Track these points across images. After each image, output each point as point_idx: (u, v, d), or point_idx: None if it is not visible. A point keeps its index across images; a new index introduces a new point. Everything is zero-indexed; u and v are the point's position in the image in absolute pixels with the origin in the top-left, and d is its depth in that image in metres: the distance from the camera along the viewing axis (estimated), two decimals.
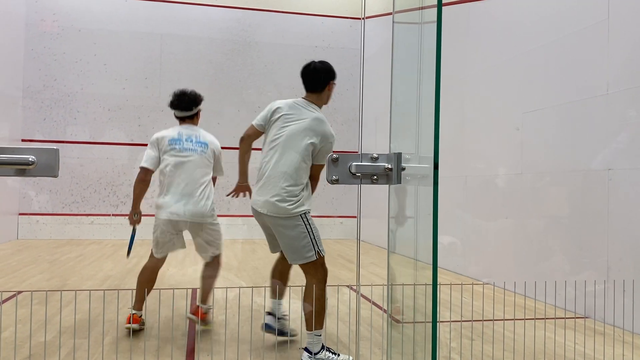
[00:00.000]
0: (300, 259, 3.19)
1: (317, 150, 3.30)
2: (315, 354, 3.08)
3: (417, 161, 1.55)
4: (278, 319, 3.50)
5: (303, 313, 3.17)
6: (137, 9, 9.98)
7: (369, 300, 4.79)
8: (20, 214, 9.23)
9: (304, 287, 3.22)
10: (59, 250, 7.96)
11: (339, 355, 3.16)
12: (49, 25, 9.58)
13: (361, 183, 1.53)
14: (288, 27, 10.69)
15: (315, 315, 3.09)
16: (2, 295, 4.39)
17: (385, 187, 1.58)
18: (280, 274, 3.62)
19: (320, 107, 3.52)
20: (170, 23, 10.10)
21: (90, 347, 3.29)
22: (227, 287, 4.29)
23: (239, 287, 5.14)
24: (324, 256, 3.26)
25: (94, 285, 5.31)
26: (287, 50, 10.64)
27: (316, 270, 3.22)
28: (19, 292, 4.81)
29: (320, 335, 3.13)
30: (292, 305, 3.63)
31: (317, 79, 3.45)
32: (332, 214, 10.50)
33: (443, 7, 1.46)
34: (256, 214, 3.41)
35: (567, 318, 4.36)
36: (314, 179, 3.39)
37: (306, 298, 3.17)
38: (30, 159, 1.31)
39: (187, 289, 5.12)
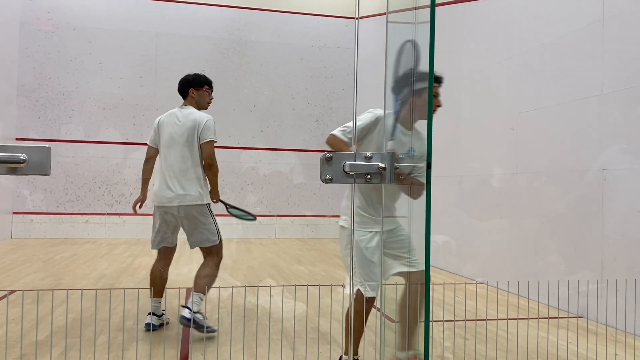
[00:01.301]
0: None
1: None
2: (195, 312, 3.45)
3: (409, 160, 1.55)
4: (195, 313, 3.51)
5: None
6: (133, 7, 9.95)
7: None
8: (14, 213, 9.18)
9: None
10: (53, 250, 7.93)
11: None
12: (43, 23, 9.53)
13: (355, 182, 1.53)
14: (284, 26, 10.68)
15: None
16: None
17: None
18: None
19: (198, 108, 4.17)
20: (165, 22, 10.07)
21: (82, 347, 3.28)
22: (219, 287, 4.27)
23: (232, 287, 5.13)
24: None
25: (88, 285, 5.29)
26: (283, 49, 10.63)
27: None
28: (12, 292, 4.78)
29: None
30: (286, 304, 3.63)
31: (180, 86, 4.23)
32: (327, 213, 10.50)
33: (438, 7, 1.46)
34: None
35: (561, 318, 4.37)
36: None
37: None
38: (21, 157, 1.30)
39: (179, 288, 5.11)
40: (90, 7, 9.78)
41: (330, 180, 1.52)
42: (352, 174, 1.52)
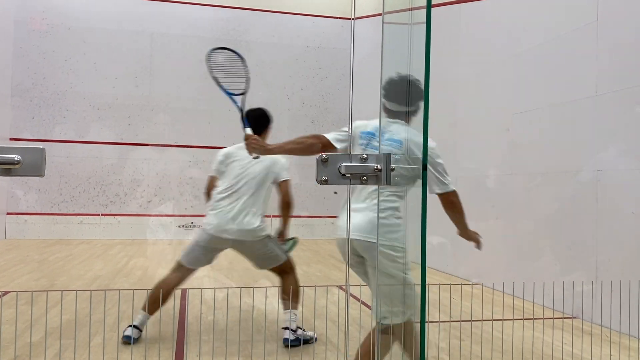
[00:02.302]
0: None
1: None
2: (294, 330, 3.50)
3: (406, 162, 1.55)
4: None
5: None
6: (128, 7, 9.92)
7: (359, 300, 4.79)
8: (8, 214, 9.13)
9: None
10: (47, 250, 7.89)
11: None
12: (38, 23, 9.49)
13: (350, 184, 1.53)
14: (279, 26, 10.68)
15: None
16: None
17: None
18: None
19: None
20: (160, 21, 10.05)
21: (77, 348, 3.27)
22: (215, 288, 4.26)
23: (228, 288, 5.12)
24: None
25: (82, 286, 5.27)
26: (278, 50, 10.63)
27: None
28: (5, 293, 4.76)
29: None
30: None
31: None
32: (322, 214, 10.50)
33: (434, 8, 1.46)
34: None
35: (555, 318, 4.38)
36: None
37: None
38: (15, 159, 1.29)
39: (176, 289, 5.09)
40: (85, 7, 9.74)
41: (326, 182, 1.52)
42: (348, 175, 1.52)
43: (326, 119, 10.73)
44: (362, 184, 1.55)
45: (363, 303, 4.67)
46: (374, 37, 9.62)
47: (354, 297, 4.93)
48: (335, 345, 3.53)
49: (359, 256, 2.57)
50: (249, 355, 3.26)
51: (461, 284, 5.58)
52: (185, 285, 5.24)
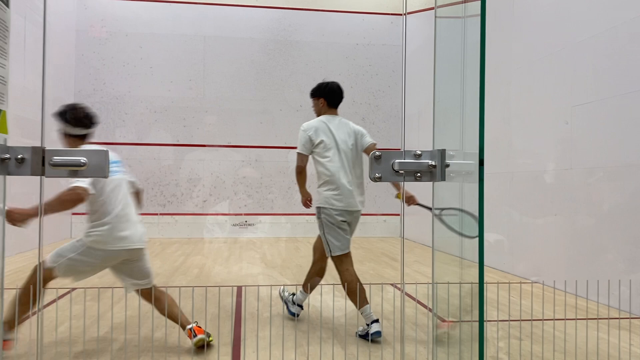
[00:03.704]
0: None
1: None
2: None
3: (461, 157, 1.52)
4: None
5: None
6: (181, 12, 10.21)
7: (414, 299, 4.74)
8: (73, 214, 9.61)
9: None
10: None
11: None
12: (97, 30, 9.92)
13: (404, 180, 1.52)
14: (328, 25, 10.70)
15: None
16: (58, 292, 4.57)
17: (428, 184, 1.56)
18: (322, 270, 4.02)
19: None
20: (212, 25, 10.29)
21: (140, 342, 3.40)
22: (271, 285, 4.32)
23: (283, 285, 5.18)
24: None
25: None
26: (328, 48, 10.66)
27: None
28: (73, 289, 5.00)
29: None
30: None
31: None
32: (375, 211, 10.46)
33: None
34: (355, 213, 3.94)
35: (621, 318, 4.19)
36: None
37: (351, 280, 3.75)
38: (82, 161, 1.36)
39: (232, 286, 5.20)
40: (141, 13, 10.11)
41: (379, 179, 1.51)
42: (402, 172, 1.51)
43: (376, 116, 10.67)
44: (415, 180, 1.53)
45: (418, 302, 4.62)
46: (425, 32, 9.49)
47: (409, 296, 4.88)
48: (391, 344, 3.51)
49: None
50: (305, 353, 3.29)
51: (520, 283, 5.43)
52: (240, 282, 5.35)
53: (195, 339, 3.24)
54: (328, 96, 3.98)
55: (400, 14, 10.86)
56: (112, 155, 3.15)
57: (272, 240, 9.57)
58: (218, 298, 4.64)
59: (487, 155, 1.49)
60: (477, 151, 1.34)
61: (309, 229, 10.22)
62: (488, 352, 3.31)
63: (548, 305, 4.50)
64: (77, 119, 3.32)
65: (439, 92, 1.59)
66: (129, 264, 3.35)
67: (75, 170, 1.38)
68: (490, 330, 3.76)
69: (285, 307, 4.10)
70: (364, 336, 3.55)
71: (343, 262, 3.79)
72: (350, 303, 4.54)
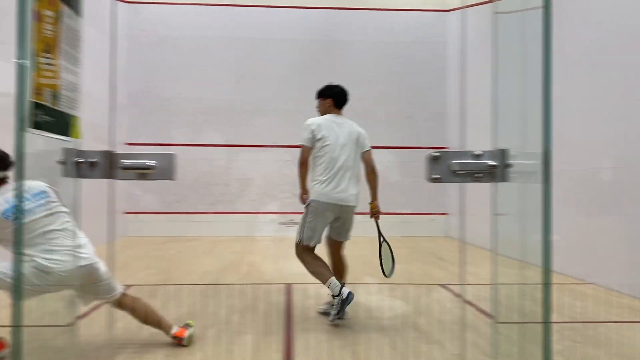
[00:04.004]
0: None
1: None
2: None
3: (523, 157, 1.49)
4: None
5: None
6: (229, 15, 10.39)
7: (462, 299, 4.67)
8: (128, 213, 9.94)
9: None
10: (161, 247, 8.49)
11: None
12: (148, 35, 10.23)
13: (463, 181, 1.51)
14: (372, 23, 10.66)
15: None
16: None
17: (478, 184, 1.54)
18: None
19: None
20: (258, 27, 10.42)
21: (196, 339, 3.49)
22: (321, 283, 4.35)
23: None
24: None
25: (195, 280, 5.61)
26: (371, 47, 10.62)
27: None
28: (129, 286, 5.18)
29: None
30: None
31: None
32: (422, 211, 10.35)
33: None
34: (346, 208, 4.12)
35: None
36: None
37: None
38: (150, 164, 1.42)
39: (281, 284, 5.27)
40: (188, 17, 10.35)
41: (437, 180, 1.50)
42: (461, 172, 1.50)
43: (421, 114, 10.55)
44: (475, 181, 1.52)
45: (467, 302, 4.55)
46: (472, 28, 9.29)
47: (458, 296, 4.82)
48: (443, 345, 3.47)
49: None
50: (354, 352, 3.30)
51: (575, 284, 5.26)
52: (289, 280, 5.41)
53: (185, 337, 3.31)
54: (335, 97, 4.24)
55: (446, 10, 10.70)
56: (35, 186, 3.01)
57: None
58: (268, 296, 4.71)
59: (538, 152, 1.46)
60: (542, 151, 1.31)
61: (354, 227, 10.20)
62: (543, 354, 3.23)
63: (605, 308, 4.34)
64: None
65: (498, 90, 1.56)
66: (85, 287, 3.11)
67: (143, 172, 1.44)
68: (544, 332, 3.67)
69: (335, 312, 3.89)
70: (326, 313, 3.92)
71: (305, 253, 4.10)
72: (398, 303, 4.51)
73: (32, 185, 3.03)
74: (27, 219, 2.95)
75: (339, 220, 4.15)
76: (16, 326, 1.24)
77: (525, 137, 1.55)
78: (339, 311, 3.77)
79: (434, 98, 10.55)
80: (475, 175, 1.49)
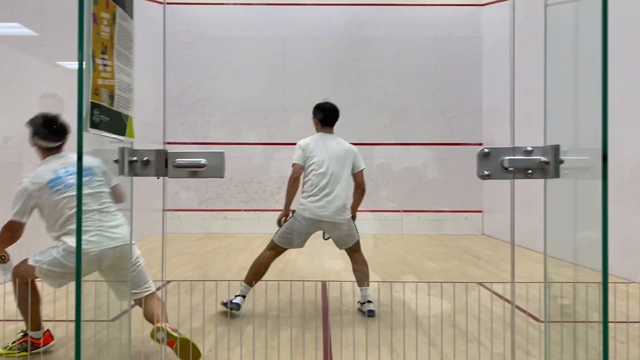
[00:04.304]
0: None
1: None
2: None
3: (575, 153, 1.46)
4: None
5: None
6: (261, 14, 10.47)
7: (502, 297, 4.61)
8: (167, 210, 10.15)
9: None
10: (198, 243, 8.62)
11: None
12: (183, 35, 10.39)
13: (514, 178, 1.48)
14: (405, 19, 10.57)
15: None
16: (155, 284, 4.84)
17: (532, 182, 1.51)
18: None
19: None
20: (291, 25, 10.47)
21: (232, 335, 3.54)
22: (354, 281, 4.36)
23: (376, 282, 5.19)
24: None
25: (231, 276, 5.68)
26: (405, 42, 10.54)
27: None
28: (168, 282, 5.29)
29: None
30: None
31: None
32: (456, 208, 10.23)
33: None
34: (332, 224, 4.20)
35: None
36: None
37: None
38: (202, 162, 1.44)
39: (317, 281, 5.29)
40: (223, 17, 10.48)
41: (488, 177, 1.49)
42: (512, 169, 1.48)
43: (457, 109, 10.42)
44: (526, 177, 1.49)
45: (507, 300, 4.48)
46: (504, 23, 9.11)
47: (497, 295, 4.75)
48: (482, 343, 3.43)
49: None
50: (392, 349, 3.29)
51: (619, 283, 5.12)
52: (323, 277, 5.43)
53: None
54: (324, 116, 4.36)
55: (480, 5, 10.53)
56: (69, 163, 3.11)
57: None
58: (304, 293, 4.74)
59: (587, 147, 1.42)
60: (599, 146, 1.29)
61: (386, 225, 10.17)
62: (589, 354, 3.16)
63: None
64: (49, 131, 3.18)
65: (551, 84, 1.53)
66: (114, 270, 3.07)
67: (195, 170, 1.47)
68: (590, 332, 3.58)
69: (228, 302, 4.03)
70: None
71: (272, 251, 4.30)
72: (435, 301, 4.48)
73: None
74: (67, 194, 3.03)
75: (330, 233, 4.27)
76: (76, 320, 1.28)
77: (577, 132, 1.52)
78: (226, 303, 4.06)
79: (470, 94, 10.41)
80: (527, 171, 1.46)
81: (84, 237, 2.83)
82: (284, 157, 10.18)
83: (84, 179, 3.09)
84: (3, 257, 3.10)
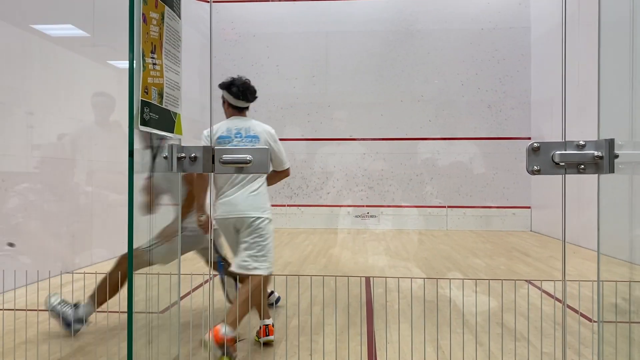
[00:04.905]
0: None
1: None
2: None
3: (631, 147, 1.40)
4: None
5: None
6: (304, 10, 10.51)
7: (552, 296, 4.47)
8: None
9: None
10: None
11: None
12: (228, 33, 10.55)
13: (565, 173, 1.44)
14: (451, 11, 10.38)
15: None
16: (203, 278, 4.95)
17: (557, 176, 1.46)
18: None
19: None
20: (334, 21, 10.46)
21: (278, 329, 3.58)
22: (403, 278, 4.33)
23: (411, 278, 5.15)
24: None
25: (277, 271, 5.74)
26: (451, 35, 10.35)
27: None
28: (215, 275, 5.39)
29: None
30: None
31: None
32: (503, 204, 10.00)
33: None
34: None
35: None
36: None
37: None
38: (248, 158, 1.47)
39: (361, 277, 5.29)
40: (266, 14, 10.57)
41: (538, 172, 1.45)
42: (563, 164, 1.43)
43: (504, 103, 10.16)
44: (579, 173, 1.45)
45: (556, 299, 4.36)
46: (554, 15, 8.81)
47: (546, 293, 4.62)
48: (532, 342, 3.35)
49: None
50: (437, 346, 3.26)
51: None
52: (367, 273, 5.42)
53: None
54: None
55: None
56: (254, 128, 3.46)
57: (394, 232, 9.55)
58: (348, 288, 4.74)
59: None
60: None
61: (431, 221, 10.05)
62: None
63: None
64: (240, 92, 3.53)
65: (605, 76, 1.48)
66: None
67: (241, 166, 1.49)
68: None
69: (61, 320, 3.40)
70: None
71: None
72: (482, 298, 4.40)
73: (254, 125, 3.47)
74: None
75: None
76: (128, 311, 1.32)
77: (633, 125, 1.46)
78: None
79: (518, 86, 10.13)
80: (579, 166, 1.42)
81: (218, 201, 3.35)
82: (328, 153, 10.21)
83: (248, 145, 3.38)
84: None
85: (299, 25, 10.49)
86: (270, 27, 10.53)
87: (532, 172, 1.45)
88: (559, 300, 4.31)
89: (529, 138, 9.84)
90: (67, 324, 3.37)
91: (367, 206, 10.29)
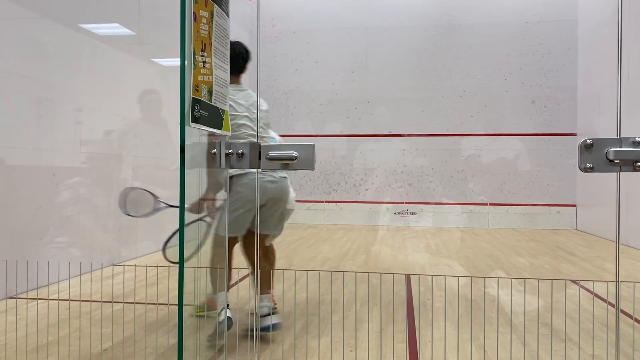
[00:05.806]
0: None
1: None
2: None
3: None
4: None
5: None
6: (343, 5, 10.49)
7: (598, 297, 4.34)
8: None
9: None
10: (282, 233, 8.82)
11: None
12: (268, 30, 10.64)
13: (620, 171, 1.39)
14: (494, 5, 10.15)
15: None
16: (239, 273, 5.03)
17: (603, 174, 1.41)
18: None
19: None
20: (373, 16, 10.39)
21: (319, 323, 3.60)
22: (445, 276, 4.28)
23: (458, 276, 5.09)
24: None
25: (315, 267, 5.78)
26: (494, 29, 10.12)
27: None
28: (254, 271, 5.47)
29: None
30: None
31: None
32: (547, 202, 9.74)
33: None
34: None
35: None
36: None
37: None
38: (294, 154, 1.48)
39: (400, 274, 5.26)
40: (306, 11, 10.60)
41: (591, 169, 1.41)
42: (617, 161, 1.39)
43: (549, 98, 9.89)
44: (635, 171, 1.40)
45: (603, 300, 4.22)
46: (603, 6, 8.55)
47: (591, 293, 4.48)
48: (576, 343, 3.26)
49: None
50: (481, 346, 3.21)
51: None
52: (407, 270, 5.39)
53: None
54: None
55: None
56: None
57: (435, 230, 9.45)
58: (387, 285, 4.72)
59: None
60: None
61: (472, 219, 9.89)
62: None
63: None
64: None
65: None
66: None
67: (287, 162, 1.51)
68: None
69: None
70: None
71: None
72: (528, 298, 4.31)
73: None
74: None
75: None
76: (179, 304, 1.36)
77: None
78: None
79: (563, 81, 9.84)
80: (635, 164, 1.37)
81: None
82: (368, 149, 10.17)
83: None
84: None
85: (338, 22, 10.48)
86: (310, 24, 10.56)
87: (585, 170, 1.41)
88: (606, 301, 4.17)
89: (575, 134, 9.54)
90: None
91: (406, 203, 10.20)
